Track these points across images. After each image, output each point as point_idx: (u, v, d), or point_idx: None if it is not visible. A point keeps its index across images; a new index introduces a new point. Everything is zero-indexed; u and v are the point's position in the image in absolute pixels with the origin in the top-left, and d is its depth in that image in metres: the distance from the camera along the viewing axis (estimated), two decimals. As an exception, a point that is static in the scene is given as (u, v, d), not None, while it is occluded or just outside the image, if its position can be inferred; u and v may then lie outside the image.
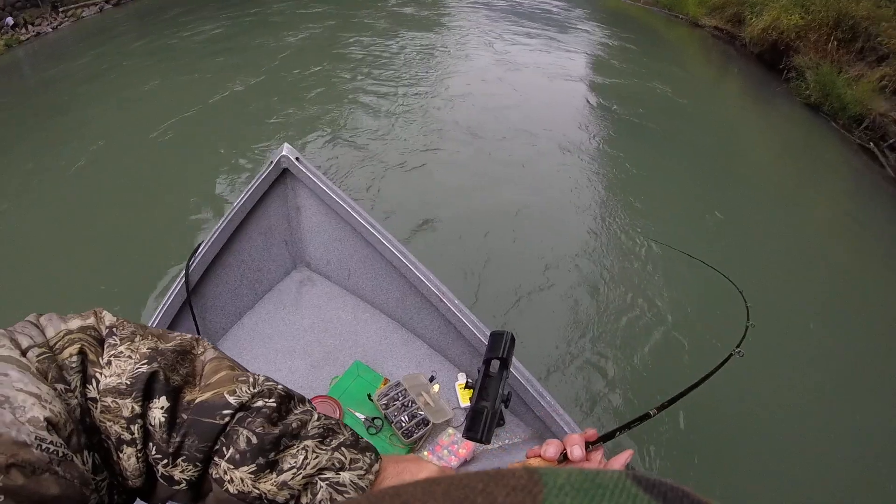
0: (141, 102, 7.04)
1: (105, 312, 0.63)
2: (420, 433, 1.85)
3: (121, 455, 0.55)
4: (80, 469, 0.49)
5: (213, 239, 2.21)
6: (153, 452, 0.56)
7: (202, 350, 0.67)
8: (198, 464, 0.57)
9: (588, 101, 8.63)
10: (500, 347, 1.53)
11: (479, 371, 1.57)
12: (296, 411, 0.64)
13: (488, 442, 1.49)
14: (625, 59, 10.98)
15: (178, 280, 2.10)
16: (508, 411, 1.98)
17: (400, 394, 1.92)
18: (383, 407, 1.91)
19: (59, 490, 0.46)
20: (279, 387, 0.65)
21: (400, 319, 2.27)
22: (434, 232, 5.02)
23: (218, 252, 2.25)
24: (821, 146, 9.09)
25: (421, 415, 1.87)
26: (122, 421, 0.54)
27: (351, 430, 0.67)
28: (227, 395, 0.59)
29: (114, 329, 0.60)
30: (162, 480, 0.58)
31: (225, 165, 5.64)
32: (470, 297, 4.22)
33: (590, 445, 0.80)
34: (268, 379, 0.65)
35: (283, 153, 2.25)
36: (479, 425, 1.47)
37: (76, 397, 0.53)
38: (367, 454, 0.65)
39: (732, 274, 1.72)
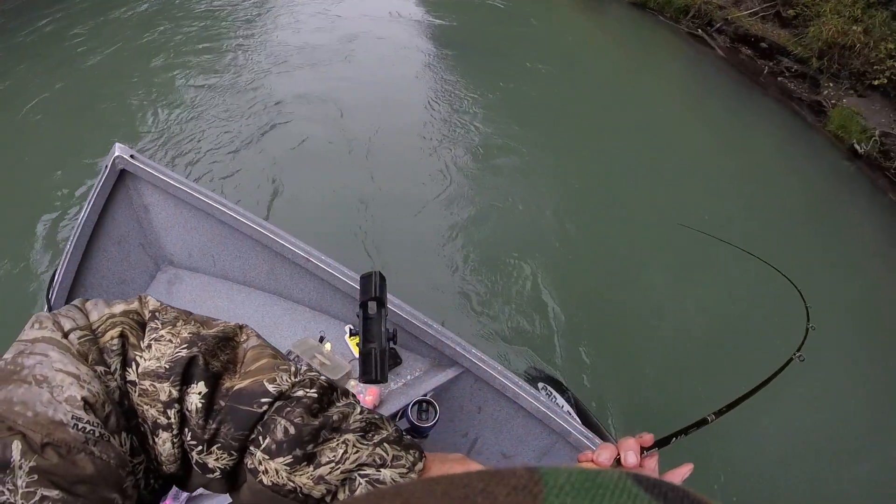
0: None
1: (150, 298, 0.64)
2: (323, 393, 1.90)
3: (156, 440, 0.56)
4: (118, 450, 0.51)
5: (66, 263, 2.10)
6: (188, 438, 0.56)
7: (245, 337, 0.66)
8: (233, 452, 0.57)
9: (423, 25, 8.63)
10: (371, 288, 1.59)
11: (358, 316, 1.63)
12: (338, 404, 0.63)
13: (385, 380, 1.56)
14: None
15: None
16: (402, 348, 2.06)
17: (294, 361, 1.95)
18: (281, 379, 1.93)
19: (94, 470, 0.47)
20: (322, 378, 0.64)
21: (275, 290, 2.27)
22: (292, 178, 4.94)
23: (76, 275, 2.15)
24: (655, 40, 9.73)
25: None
26: (159, 405, 0.55)
27: (396, 426, 0.66)
28: (266, 383, 0.59)
29: (156, 313, 0.61)
30: (196, 468, 0.58)
31: (69, 169, 5.20)
32: (353, 247, 4.25)
33: (644, 451, 0.78)
34: (310, 369, 0.66)
35: (116, 154, 2.14)
36: (371, 367, 1.54)
37: (115, 380, 0.54)
38: (411, 452, 0.63)
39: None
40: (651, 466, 0.76)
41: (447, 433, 2.10)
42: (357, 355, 2.07)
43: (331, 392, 0.64)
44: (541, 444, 2.03)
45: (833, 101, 8.82)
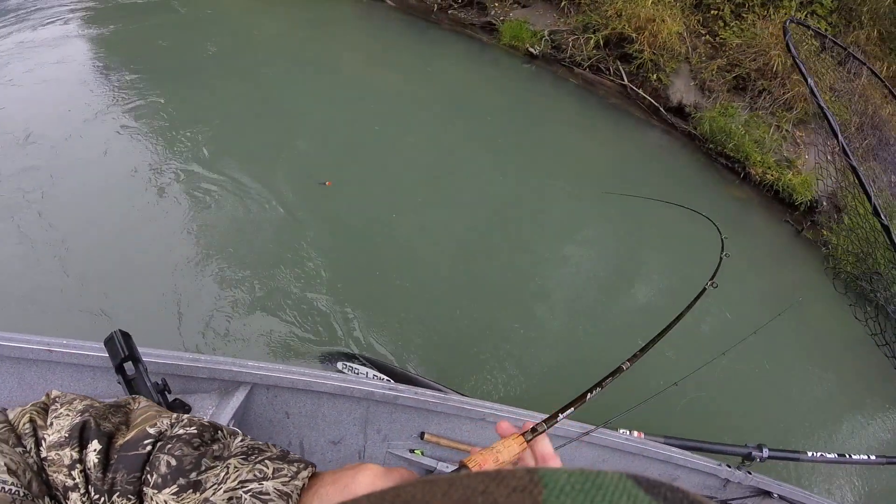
0: None
1: (54, 390, 0.71)
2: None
3: (68, 503, 0.60)
4: None
5: None
6: (93, 493, 0.61)
7: (137, 404, 0.73)
8: (131, 496, 0.61)
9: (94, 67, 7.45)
10: (118, 349, 1.54)
11: (120, 384, 1.57)
12: (222, 440, 0.69)
13: (177, 433, 1.53)
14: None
15: None
16: (183, 394, 1.99)
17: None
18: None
19: None
20: (204, 420, 0.70)
21: (33, 399, 2.02)
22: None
23: None
24: (322, 5, 9.95)
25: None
26: (65, 469, 0.61)
27: (282, 448, 0.71)
28: (148, 429, 0.66)
29: (57, 399, 0.69)
30: None
31: None
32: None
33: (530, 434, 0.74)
34: (193, 416, 0.70)
35: None
36: (154, 426, 1.50)
37: (32, 457, 0.61)
38: (295, 464, 0.67)
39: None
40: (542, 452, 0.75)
41: (270, 451, 2.10)
42: (139, 422, 1.97)
43: (213, 430, 0.70)
44: (356, 416, 2.11)
45: (502, 18, 9.89)
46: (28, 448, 0.62)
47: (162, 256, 4.23)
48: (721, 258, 1.74)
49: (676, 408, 4.14)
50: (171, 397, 1.76)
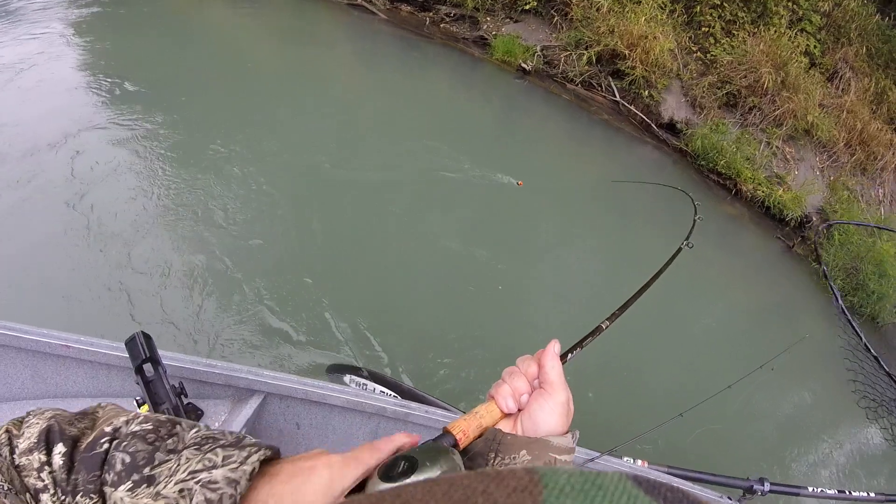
0: None
1: (36, 407, 0.73)
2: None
3: None
4: None
5: None
6: (60, 495, 0.63)
7: (103, 409, 0.74)
8: (93, 496, 0.62)
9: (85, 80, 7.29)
10: (139, 351, 1.56)
11: (138, 384, 1.58)
12: (180, 433, 0.69)
13: (191, 436, 1.54)
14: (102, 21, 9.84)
15: None
16: (197, 398, 2.01)
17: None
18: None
19: None
20: (162, 416, 0.70)
21: (47, 394, 1.99)
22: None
23: None
24: (318, 19, 10.06)
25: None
26: (34, 472, 0.63)
27: (240, 434, 0.69)
28: (105, 427, 0.67)
29: (31, 412, 0.71)
30: None
31: None
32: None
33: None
34: (150, 414, 0.71)
35: None
36: (170, 428, 1.51)
37: (9, 464, 0.64)
38: (247, 448, 0.65)
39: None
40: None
41: (277, 460, 2.10)
42: (153, 425, 1.96)
43: (171, 426, 0.69)
44: (366, 430, 2.13)
45: (494, 33, 10.03)
46: (4, 456, 0.65)
47: (184, 264, 4.31)
48: (694, 220, 1.82)
49: (686, 438, 4.21)
50: (186, 401, 1.78)
